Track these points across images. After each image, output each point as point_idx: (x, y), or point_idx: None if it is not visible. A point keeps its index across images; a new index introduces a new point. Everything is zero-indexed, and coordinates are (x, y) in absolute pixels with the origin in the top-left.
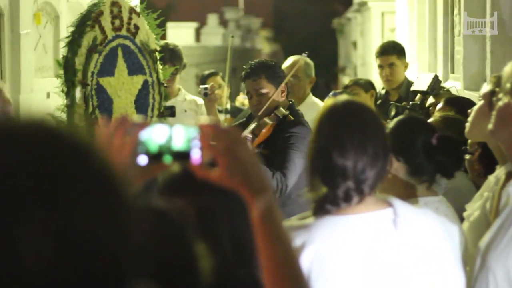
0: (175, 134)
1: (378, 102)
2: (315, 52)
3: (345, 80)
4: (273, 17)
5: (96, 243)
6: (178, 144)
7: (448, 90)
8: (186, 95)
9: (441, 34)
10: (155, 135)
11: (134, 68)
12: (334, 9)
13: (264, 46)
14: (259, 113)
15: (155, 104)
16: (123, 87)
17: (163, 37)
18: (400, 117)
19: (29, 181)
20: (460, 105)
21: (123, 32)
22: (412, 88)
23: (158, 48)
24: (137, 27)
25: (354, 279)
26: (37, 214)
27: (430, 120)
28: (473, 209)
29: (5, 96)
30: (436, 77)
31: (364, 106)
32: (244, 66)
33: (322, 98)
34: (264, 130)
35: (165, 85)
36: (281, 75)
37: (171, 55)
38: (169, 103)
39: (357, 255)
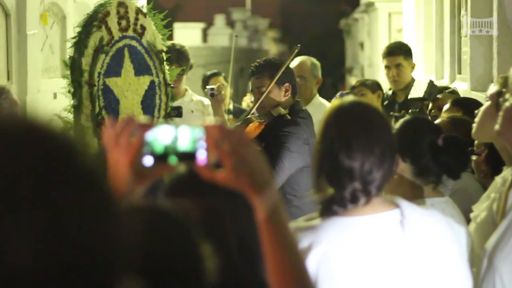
0: (181, 135)
1: (385, 102)
2: (322, 52)
3: (352, 80)
4: (280, 18)
5: (82, 241)
6: (184, 145)
7: (452, 91)
8: (192, 96)
9: (448, 35)
10: (161, 135)
11: (141, 69)
12: (341, 10)
13: (271, 47)
14: (252, 111)
15: (161, 104)
16: (129, 88)
17: (170, 37)
18: (407, 117)
19: (15, 180)
20: (467, 106)
21: (130, 32)
22: (409, 96)
23: (164, 49)
24: (143, 28)
25: (361, 280)
26: (23, 213)
27: (437, 121)
28: (480, 210)
29: (12, 97)
30: (431, 82)
31: (371, 107)
32: (251, 64)
33: (329, 98)
34: (249, 128)
35: (172, 85)
36: (285, 75)
37: (178, 56)
38: (175, 103)
39: (364, 256)
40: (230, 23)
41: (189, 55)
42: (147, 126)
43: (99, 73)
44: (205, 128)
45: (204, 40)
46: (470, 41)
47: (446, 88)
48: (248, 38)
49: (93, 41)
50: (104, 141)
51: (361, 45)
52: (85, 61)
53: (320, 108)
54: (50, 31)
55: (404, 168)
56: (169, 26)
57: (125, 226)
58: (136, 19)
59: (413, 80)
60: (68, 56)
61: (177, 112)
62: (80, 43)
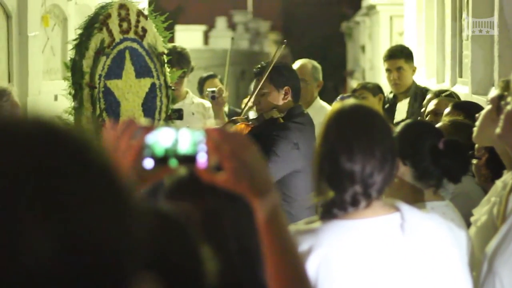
0: (181, 138)
1: (386, 106)
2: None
3: (354, 83)
4: (281, 21)
5: (96, 242)
6: (185, 148)
7: (449, 94)
8: (193, 98)
9: (449, 38)
10: (162, 138)
11: (142, 71)
12: (343, 13)
13: (272, 49)
14: (243, 112)
15: (162, 107)
16: (130, 90)
17: (171, 40)
18: (408, 121)
19: (29, 180)
20: (468, 109)
21: (131, 35)
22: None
23: (165, 51)
24: (144, 30)
25: (361, 284)
26: (37, 213)
27: (439, 125)
28: (480, 214)
29: (13, 99)
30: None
31: (372, 110)
32: (255, 67)
33: (330, 101)
34: (235, 129)
35: (173, 88)
36: (286, 78)
37: (179, 58)
38: (176, 106)
39: (364, 259)
40: (232, 26)
41: (190, 58)
42: (148, 129)
43: (100, 75)
44: (205, 131)
45: (206, 43)
46: (471, 45)
47: (443, 91)
48: (249, 40)
49: (94, 43)
50: (104, 144)
51: (363, 48)
52: (86, 63)
53: (320, 111)
54: (51, 33)
55: (404, 171)
56: (170, 29)
57: (140, 225)
58: (137, 21)
59: (414, 83)
60: (69, 58)
61: (178, 115)
62: (81, 45)
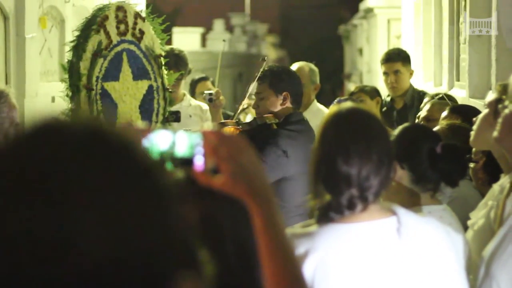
0: (178, 141)
1: (383, 109)
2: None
3: (351, 86)
4: (279, 23)
5: (145, 241)
6: (181, 151)
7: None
8: (191, 101)
9: (447, 41)
10: (158, 141)
11: (139, 73)
12: (340, 16)
13: (270, 52)
14: (235, 116)
15: (159, 109)
16: (127, 92)
17: (169, 42)
18: (405, 124)
19: (80, 178)
20: (466, 113)
21: (128, 37)
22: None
23: (163, 53)
24: (142, 32)
25: (357, 287)
26: (95, 207)
27: (436, 128)
28: (477, 218)
29: (11, 101)
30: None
31: (369, 113)
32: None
33: (328, 104)
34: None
35: (170, 90)
36: (285, 83)
37: (176, 60)
38: (174, 108)
39: (361, 263)
40: (229, 28)
41: (187, 60)
42: (145, 131)
43: (97, 77)
44: (202, 133)
45: (203, 45)
46: (468, 48)
47: (437, 94)
48: (247, 43)
49: (91, 45)
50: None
51: (360, 51)
52: (83, 65)
53: (317, 114)
54: (48, 35)
55: (402, 175)
56: (168, 31)
57: (182, 223)
58: (135, 23)
59: (411, 87)
60: (66, 60)
61: (175, 117)
62: (79, 47)
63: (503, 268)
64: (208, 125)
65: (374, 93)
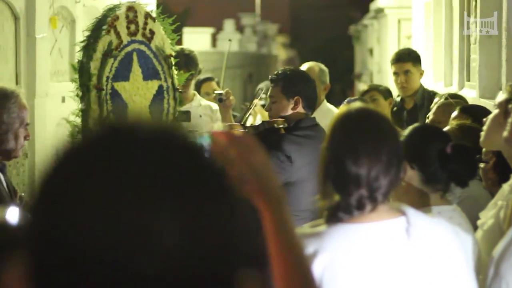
0: None
1: (394, 109)
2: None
3: (361, 86)
4: (289, 23)
5: (218, 231)
6: None
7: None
8: (201, 101)
9: (457, 41)
10: None
11: (149, 73)
12: (351, 16)
13: (280, 52)
14: (244, 118)
15: (169, 109)
16: (138, 92)
17: (179, 42)
18: (415, 125)
19: (162, 181)
20: (476, 113)
21: (139, 37)
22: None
23: (173, 53)
24: (152, 32)
25: (366, 287)
26: (169, 209)
27: (446, 128)
28: (486, 218)
29: (21, 101)
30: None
31: (378, 114)
32: (274, 72)
33: (338, 104)
34: None
35: (180, 90)
36: (298, 88)
37: (187, 60)
38: (184, 108)
39: (369, 263)
40: (240, 28)
41: (197, 60)
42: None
43: (108, 77)
44: (212, 134)
45: (213, 45)
46: (479, 48)
47: (451, 95)
48: (257, 43)
49: (101, 45)
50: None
51: (370, 51)
52: (94, 65)
53: (327, 114)
54: (59, 35)
55: (412, 175)
56: (178, 31)
57: (247, 220)
58: (145, 23)
59: (421, 87)
60: (76, 60)
61: (186, 117)
62: (89, 47)
63: None
64: (218, 126)
65: (387, 93)
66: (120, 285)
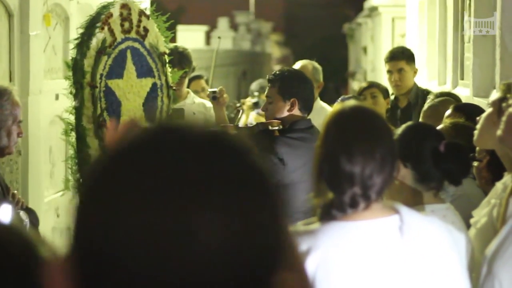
0: None
1: (387, 107)
2: (325, 56)
3: (355, 85)
4: (283, 22)
5: (260, 237)
6: None
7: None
8: (194, 98)
9: (451, 40)
10: None
11: (143, 71)
12: (345, 14)
13: (274, 50)
14: (236, 121)
15: (163, 107)
16: (131, 90)
17: (173, 40)
18: (408, 123)
19: (210, 179)
20: (469, 111)
21: (133, 34)
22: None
23: (167, 51)
24: (146, 30)
25: (358, 285)
26: (213, 212)
27: (440, 127)
28: (480, 216)
29: (14, 98)
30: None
31: (372, 112)
32: (272, 72)
33: (332, 103)
34: None
35: (174, 88)
36: (295, 89)
37: (180, 58)
38: (177, 105)
39: (363, 261)
40: (234, 26)
41: (191, 58)
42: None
43: (101, 74)
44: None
45: (207, 43)
46: (472, 47)
47: (444, 93)
48: (251, 41)
49: (95, 43)
50: (106, 144)
51: (364, 49)
52: (88, 63)
53: (321, 112)
54: (53, 32)
55: (405, 174)
56: (172, 29)
57: (286, 224)
58: (139, 21)
59: (415, 85)
60: (70, 57)
61: (179, 115)
62: (83, 44)
63: (505, 266)
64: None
65: (386, 93)
66: (161, 286)
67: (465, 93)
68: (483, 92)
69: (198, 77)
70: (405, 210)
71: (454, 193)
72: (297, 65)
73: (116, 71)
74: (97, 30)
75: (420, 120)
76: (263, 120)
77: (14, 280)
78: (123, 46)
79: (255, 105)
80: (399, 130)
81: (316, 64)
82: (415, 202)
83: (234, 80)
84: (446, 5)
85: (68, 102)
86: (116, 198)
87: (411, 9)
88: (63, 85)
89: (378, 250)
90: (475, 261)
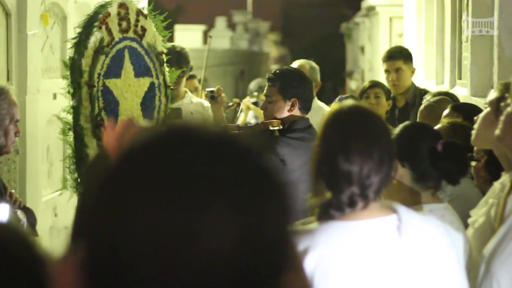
0: None
1: None
2: (322, 56)
3: (353, 84)
4: (281, 21)
5: (266, 237)
6: None
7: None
8: (192, 98)
9: (449, 40)
10: None
11: (141, 70)
12: (342, 14)
13: (272, 50)
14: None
15: (161, 106)
16: (129, 89)
17: (171, 39)
18: (406, 123)
19: (215, 180)
20: (467, 111)
21: (130, 34)
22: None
23: (165, 51)
24: (144, 29)
25: (357, 285)
26: (220, 213)
27: (438, 127)
28: (477, 216)
29: (11, 97)
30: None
31: (370, 111)
32: (272, 71)
33: (329, 102)
34: None
35: (172, 87)
36: (295, 89)
37: (178, 58)
38: (175, 105)
39: (361, 261)
40: (231, 26)
41: (189, 57)
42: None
43: (99, 74)
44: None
45: (205, 42)
46: (470, 47)
47: (442, 93)
48: (249, 40)
49: (93, 42)
50: (104, 143)
51: (362, 49)
52: (85, 62)
53: (318, 111)
54: (50, 31)
55: (403, 173)
56: (169, 28)
57: (291, 224)
58: (137, 20)
59: (413, 85)
60: (68, 57)
61: (177, 114)
62: (80, 43)
63: (503, 266)
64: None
65: (389, 94)
66: (167, 285)
67: (463, 93)
68: (481, 92)
69: (191, 77)
70: (403, 210)
71: (452, 192)
72: (295, 65)
73: (114, 70)
74: (94, 29)
75: (418, 119)
76: (261, 112)
77: (13, 278)
78: (120, 45)
79: (255, 105)
80: (396, 130)
81: (314, 64)
82: (413, 201)
83: (231, 79)
84: (444, 4)
85: (65, 102)
86: (123, 199)
87: (408, 8)
88: (61, 85)
89: (376, 250)
90: (473, 260)
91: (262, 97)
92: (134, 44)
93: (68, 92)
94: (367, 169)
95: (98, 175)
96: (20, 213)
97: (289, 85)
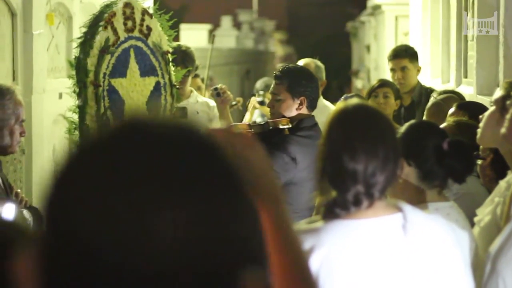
0: None
1: None
2: (328, 55)
3: (358, 83)
4: (287, 20)
5: (224, 237)
6: None
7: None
8: (198, 97)
9: (455, 38)
10: None
11: (146, 70)
12: (348, 13)
13: (277, 49)
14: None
15: (167, 105)
16: (135, 89)
17: (176, 38)
18: (412, 121)
19: (169, 180)
20: (473, 109)
21: (136, 33)
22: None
23: (170, 50)
24: (149, 29)
25: (362, 284)
26: (173, 209)
27: (443, 125)
28: (483, 214)
29: (16, 97)
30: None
31: (375, 110)
32: (278, 68)
33: (335, 101)
34: None
35: (177, 86)
36: (303, 87)
37: (184, 57)
38: (181, 104)
39: (366, 259)
40: (237, 25)
41: (194, 56)
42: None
43: (105, 73)
44: (209, 131)
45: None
46: (476, 45)
47: (447, 91)
48: (254, 39)
49: (98, 42)
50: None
51: (368, 48)
52: (91, 62)
53: (323, 110)
54: (56, 31)
55: (408, 172)
56: (175, 27)
57: (253, 219)
58: (142, 20)
59: (419, 83)
60: (73, 56)
61: (182, 113)
62: (86, 43)
63: (509, 264)
64: (217, 123)
65: (398, 94)
66: (120, 284)
67: (468, 91)
68: (487, 90)
69: (194, 75)
70: (408, 208)
71: (458, 191)
72: (300, 64)
73: (120, 70)
74: (100, 29)
75: (424, 118)
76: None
77: None
78: (126, 45)
79: (261, 104)
80: (402, 128)
81: (319, 63)
82: (419, 200)
83: (237, 78)
84: (449, 3)
85: (71, 101)
86: (78, 194)
87: (414, 7)
88: (67, 84)
89: (381, 249)
90: (479, 259)
91: (269, 96)
92: (139, 44)
93: (74, 92)
94: (372, 167)
95: (59, 168)
96: (26, 213)
97: (297, 83)
